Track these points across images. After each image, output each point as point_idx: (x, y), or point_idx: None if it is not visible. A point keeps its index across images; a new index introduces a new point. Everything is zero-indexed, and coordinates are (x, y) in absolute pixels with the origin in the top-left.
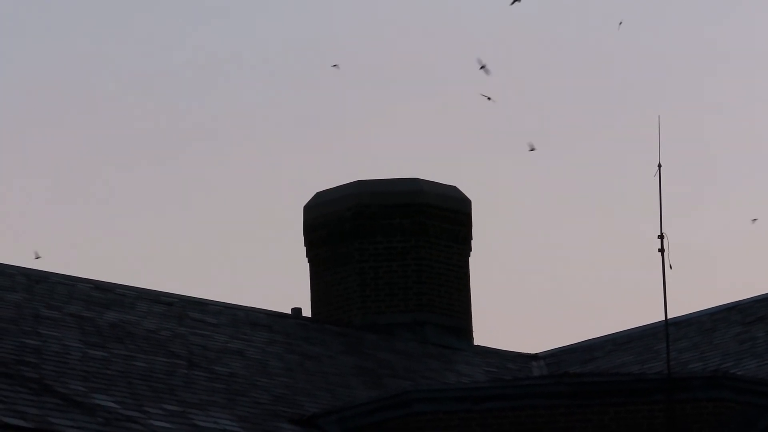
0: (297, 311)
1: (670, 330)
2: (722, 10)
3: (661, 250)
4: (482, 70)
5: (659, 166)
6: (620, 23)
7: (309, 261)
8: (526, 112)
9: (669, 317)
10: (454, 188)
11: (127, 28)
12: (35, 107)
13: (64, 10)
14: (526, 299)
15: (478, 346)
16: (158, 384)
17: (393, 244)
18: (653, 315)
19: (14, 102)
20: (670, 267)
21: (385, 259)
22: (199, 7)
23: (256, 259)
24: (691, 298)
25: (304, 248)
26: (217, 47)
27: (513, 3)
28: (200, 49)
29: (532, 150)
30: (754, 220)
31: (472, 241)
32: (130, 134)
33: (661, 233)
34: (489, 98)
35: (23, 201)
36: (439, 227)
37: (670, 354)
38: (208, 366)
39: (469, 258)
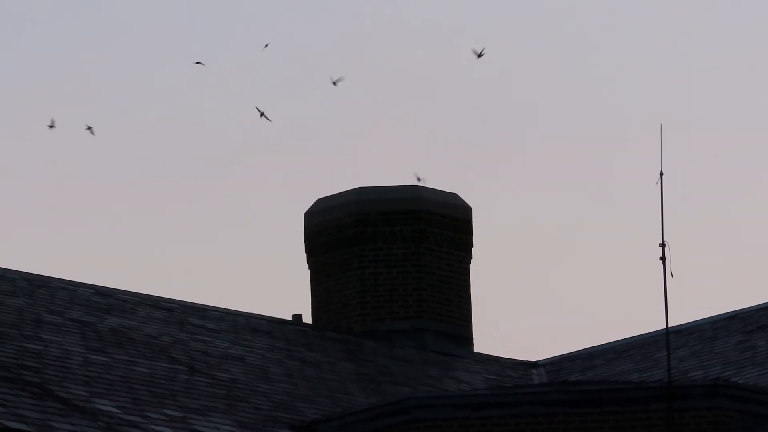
0: (297, 318)
1: (670, 338)
2: (725, 16)
3: (663, 259)
4: (480, 56)
5: (661, 174)
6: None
7: (309, 267)
8: (526, 118)
9: (669, 325)
10: (454, 195)
11: (129, 34)
12: (36, 111)
13: (67, 14)
14: (527, 307)
15: (478, 353)
16: (159, 389)
17: (393, 251)
18: (654, 323)
19: (15, 105)
20: (671, 275)
21: (386, 266)
22: (199, 16)
23: (256, 265)
24: (691, 307)
25: (305, 255)
26: (217, 55)
27: (479, 56)
28: (201, 57)
29: (336, 83)
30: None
31: (472, 249)
32: (131, 140)
33: (663, 241)
34: (480, 54)
35: (25, 205)
36: (439, 234)
37: (670, 362)
38: (208, 372)
39: (470, 265)
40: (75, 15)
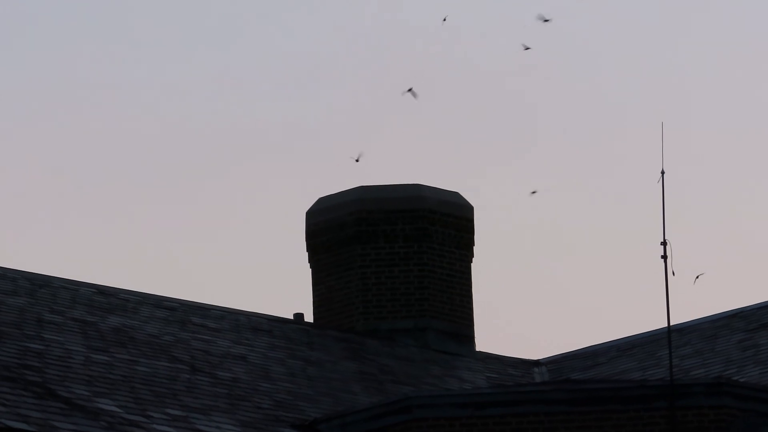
0: (299, 316)
1: (672, 337)
2: (724, 16)
3: (664, 257)
4: (410, 92)
5: (662, 172)
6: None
7: (311, 266)
8: (528, 118)
9: (671, 324)
10: (456, 194)
11: (129, 34)
12: (39, 111)
13: (70, 16)
14: (529, 305)
15: (480, 352)
16: (161, 388)
17: (395, 249)
18: (656, 321)
19: (18, 104)
20: (673, 273)
21: (387, 265)
22: (200, 16)
23: (258, 264)
24: (693, 305)
25: (307, 253)
26: (218, 55)
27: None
28: (204, 58)
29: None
30: (533, 192)
31: (474, 247)
32: (133, 140)
33: (664, 240)
34: (357, 160)
35: (26, 205)
36: (441, 233)
37: (672, 361)
38: (210, 371)
39: (472, 264)
40: (75, 14)
